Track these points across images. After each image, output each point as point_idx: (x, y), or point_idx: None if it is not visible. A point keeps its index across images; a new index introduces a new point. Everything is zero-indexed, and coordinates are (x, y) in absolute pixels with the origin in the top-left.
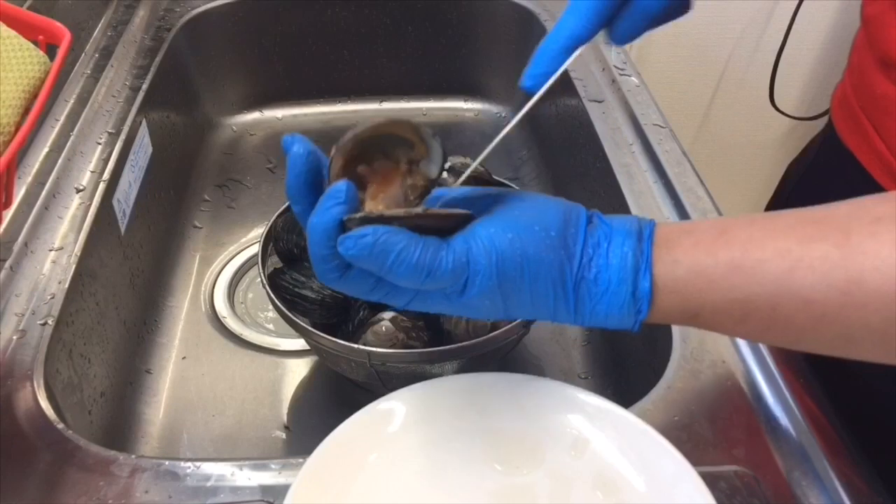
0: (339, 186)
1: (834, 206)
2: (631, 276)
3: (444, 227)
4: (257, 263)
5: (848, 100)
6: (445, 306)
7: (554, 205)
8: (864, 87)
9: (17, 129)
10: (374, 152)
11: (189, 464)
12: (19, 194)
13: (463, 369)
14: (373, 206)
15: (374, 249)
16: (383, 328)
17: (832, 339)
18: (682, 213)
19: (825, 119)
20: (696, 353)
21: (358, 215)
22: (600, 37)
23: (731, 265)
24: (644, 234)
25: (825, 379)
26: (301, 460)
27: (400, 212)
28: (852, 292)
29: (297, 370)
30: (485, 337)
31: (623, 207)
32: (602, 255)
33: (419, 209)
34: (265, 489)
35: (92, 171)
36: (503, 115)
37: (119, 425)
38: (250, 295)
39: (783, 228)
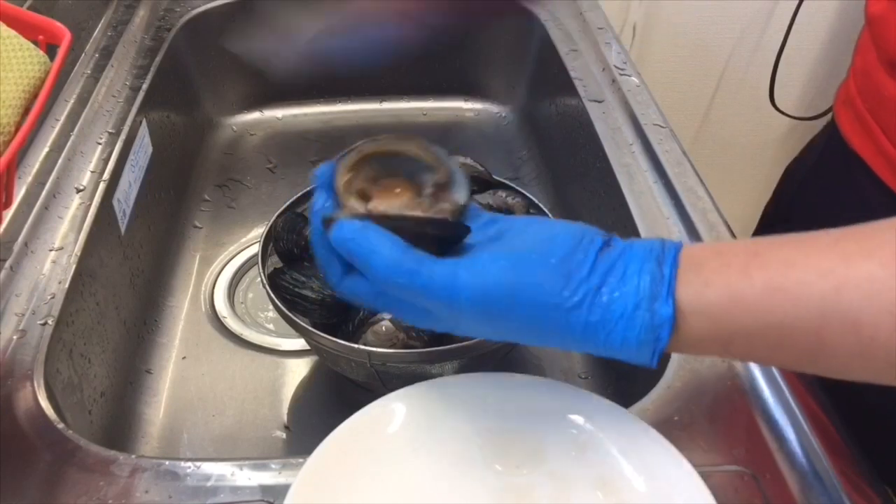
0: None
1: (871, 225)
2: (647, 302)
3: (445, 239)
4: (257, 263)
5: (853, 100)
6: (441, 325)
7: (564, 230)
8: (870, 88)
9: (17, 129)
10: (387, 168)
11: (189, 464)
12: (19, 194)
13: (463, 369)
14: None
15: (357, 236)
16: (383, 328)
17: (883, 368)
18: (682, 213)
19: (825, 119)
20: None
21: (345, 212)
22: (601, 36)
23: (769, 286)
24: (667, 256)
25: (825, 379)
26: (301, 460)
27: (386, 209)
28: None
29: (297, 370)
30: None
31: (623, 207)
32: (616, 279)
33: (405, 212)
34: (265, 489)
35: (92, 171)
36: (503, 114)
37: (119, 425)
38: (250, 295)
39: (822, 248)
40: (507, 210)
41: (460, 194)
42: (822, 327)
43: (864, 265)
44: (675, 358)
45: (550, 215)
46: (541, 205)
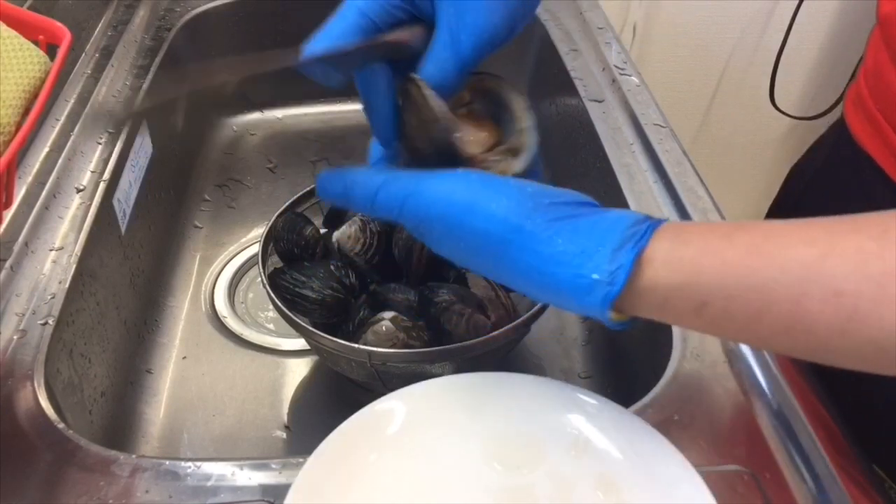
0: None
1: (865, 213)
2: (613, 245)
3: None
4: (257, 263)
5: (864, 100)
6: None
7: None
8: (882, 88)
9: (17, 129)
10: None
11: (189, 463)
12: (20, 194)
13: (463, 369)
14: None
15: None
16: (383, 328)
17: (862, 346)
18: (683, 213)
19: (825, 119)
20: (697, 353)
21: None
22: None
23: (751, 249)
24: (649, 219)
25: (826, 378)
26: (301, 460)
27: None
28: (889, 285)
29: (298, 370)
30: (485, 337)
31: (623, 207)
32: (587, 219)
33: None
34: (265, 489)
35: (92, 171)
36: None
37: (119, 425)
38: (251, 295)
39: (810, 223)
40: None
41: (518, 164)
42: (802, 294)
43: (853, 237)
44: (675, 358)
45: None
46: None
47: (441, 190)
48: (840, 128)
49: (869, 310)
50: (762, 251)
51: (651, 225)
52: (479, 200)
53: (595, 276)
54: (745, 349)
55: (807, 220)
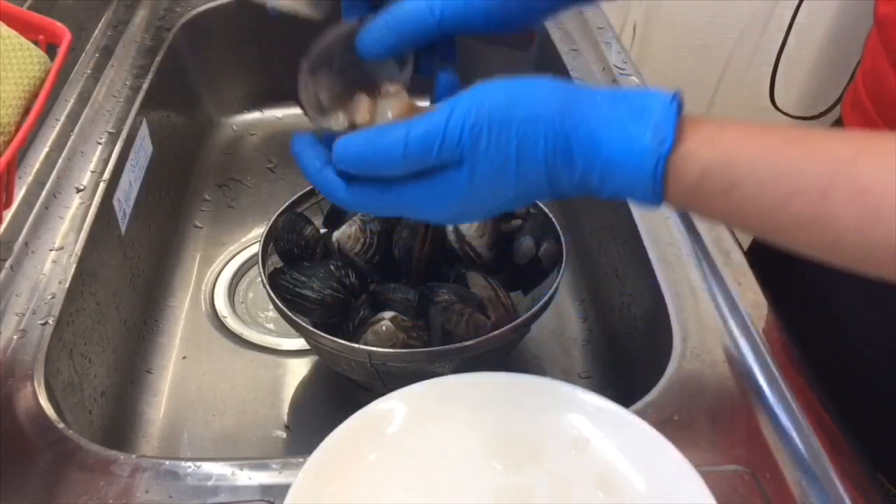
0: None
1: None
2: (662, 107)
3: None
4: (258, 263)
5: (862, 102)
6: (444, 191)
7: None
8: (880, 90)
9: (17, 129)
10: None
11: (189, 463)
12: (20, 194)
13: (463, 369)
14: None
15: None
16: (383, 328)
17: (874, 247)
18: (683, 213)
19: (825, 119)
20: (697, 353)
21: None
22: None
23: (789, 138)
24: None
25: (826, 378)
26: (301, 460)
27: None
28: None
29: (298, 370)
30: (485, 337)
31: (623, 207)
32: (637, 97)
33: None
34: (265, 489)
35: (92, 171)
36: None
37: (119, 425)
38: (251, 295)
39: (845, 130)
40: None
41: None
42: (829, 187)
43: (887, 141)
44: (675, 358)
45: (551, 215)
46: (541, 204)
47: (477, 100)
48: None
49: (889, 210)
50: (799, 142)
51: (677, 94)
52: (518, 94)
53: (648, 137)
54: (745, 350)
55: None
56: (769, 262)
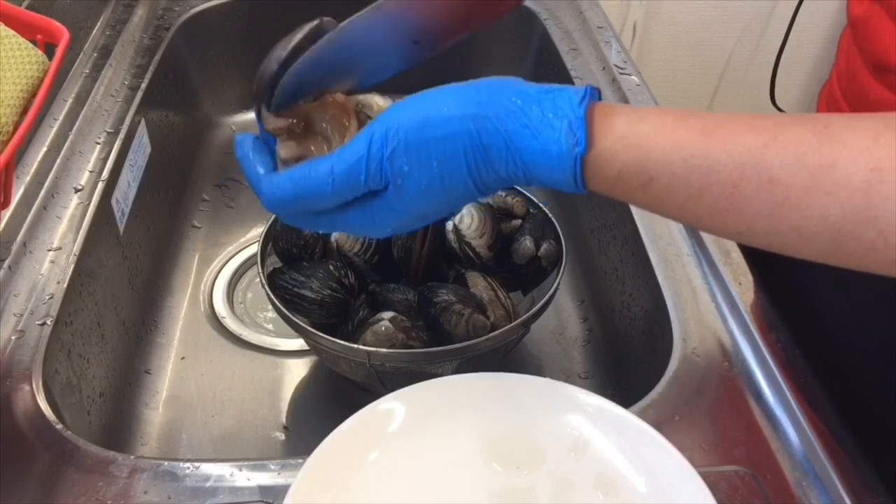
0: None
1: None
2: (572, 108)
3: None
4: (256, 263)
5: (837, 101)
6: (377, 212)
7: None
8: (856, 90)
9: (15, 129)
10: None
11: (188, 464)
12: (18, 194)
13: (463, 369)
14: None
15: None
16: (383, 328)
17: (786, 232)
18: None
19: None
20: (697, 353)
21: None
22: (600, 35)
23: (702, 131)
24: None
25: (825, 379)
26: (301, 460)
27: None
28: (821, 178)
29: (297, 370)
30: (485, 337)
31: (623, 206)
32: (548, 98)
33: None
34: (264, 489)
35: (90, 171)
36: None
37: (118, 425)
38: (249, 295)
39: (762, 115)
40: (507, 210)
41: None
42: (740, 179)
43: (796, 129)
44: (675, 358)
45: (551, 215)
46: (541, 204)
47: (393, 126)
48: None
49: (798, 199)
50: (713, 135)
51: (588, 90)
52: (430, 114)
53: (563, 140)
54: (745, 350)
55: (759, 114)
56: (769, 261)
